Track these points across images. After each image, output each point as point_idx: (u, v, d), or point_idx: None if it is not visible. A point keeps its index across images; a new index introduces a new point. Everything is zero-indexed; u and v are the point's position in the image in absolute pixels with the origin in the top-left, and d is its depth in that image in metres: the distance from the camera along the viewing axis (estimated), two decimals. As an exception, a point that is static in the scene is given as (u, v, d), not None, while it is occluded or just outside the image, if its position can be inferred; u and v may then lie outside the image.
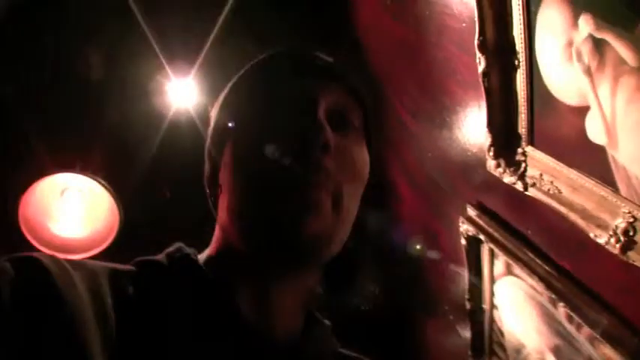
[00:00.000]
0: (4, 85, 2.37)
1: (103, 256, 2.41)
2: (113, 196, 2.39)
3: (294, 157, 0.77)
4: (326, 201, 0.78)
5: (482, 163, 1.60)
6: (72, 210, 2.51)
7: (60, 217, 2.51)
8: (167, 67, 2.47)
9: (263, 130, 0.81)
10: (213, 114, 0.94)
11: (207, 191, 0.92)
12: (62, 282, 0.67)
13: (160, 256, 0.84)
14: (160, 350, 0.70)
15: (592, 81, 1.09)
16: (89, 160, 2.49)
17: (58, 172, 2.39)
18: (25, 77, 2.43)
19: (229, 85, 0.94)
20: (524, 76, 1.31)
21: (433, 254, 2.33)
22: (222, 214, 0.86)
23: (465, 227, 1.83)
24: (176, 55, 2.48)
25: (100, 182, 2.38)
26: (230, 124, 0.87)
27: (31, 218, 2.43)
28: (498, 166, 1.51)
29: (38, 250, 2.31)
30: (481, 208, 1.77)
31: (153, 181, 2.64)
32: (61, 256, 0.76)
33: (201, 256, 0.87)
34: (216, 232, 0.88)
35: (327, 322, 0.91)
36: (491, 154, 1.51)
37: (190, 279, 0.80)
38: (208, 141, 0.93)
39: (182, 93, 2.57)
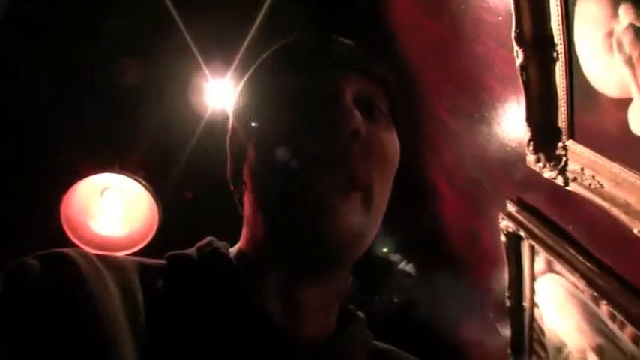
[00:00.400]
0: (46, 87, 2.43)
1: (141, 254, 2.45)
2: (152, 195, 2.43)
3: (323, 146, 0.74)
4: (355, 194, 0.75)
5: (521, 158, 1.58)
6: (112, 209, 2.56)
7: (100, 216, 2.56)
8: (204, 67, 2.50)
9: (287, 122, 0.78)
10: (234, 107, 0.91)
11: (232, 188, 0.90)
12: (91, 277, 0.68)
13: (191, 250, 0.84)
14: (188, 345, 0.70)
15: (634, 71, 1.06)
16: (129, 160, 2.54)
17: (98, 172, 2.44)
18: (65, 80, 2.47)
19: (246, 77, 0.91)
20: (564, 68, 1.28)
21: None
22: (247, 211, 0.84)
23: (504, 224, 1.81)
24: (213, 56, 2.50)
25: (139, 181, 2.41)
26: (252, 118, 0.84)
27: (72, 217, 2.48)
28: (538, 161, 1.48)
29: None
30: (521, 204, 1.74)
31: (190, 180, 2.68)
32: (100, 253, 0.76)
33: (232, 250, 0.86)
34: (245, 228, 0.86)
35: (361, 314, 0.90)
36: (531, 148, 1.49)
37: (220, 273, 0.79)
38: (230, 136, 0.91)
39: (219, 93, 2.60)
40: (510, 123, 1.66)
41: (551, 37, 1.29)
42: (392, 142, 0.84)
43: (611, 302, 1.39)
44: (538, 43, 1.32)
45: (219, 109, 2.56)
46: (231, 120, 0.92)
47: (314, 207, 0.73)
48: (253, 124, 0.84)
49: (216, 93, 2.59)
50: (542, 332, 1.86)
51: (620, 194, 1.24)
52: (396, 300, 2.56)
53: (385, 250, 2.64)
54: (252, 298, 0.77)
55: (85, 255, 0.72)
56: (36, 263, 0.67)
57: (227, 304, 0.75)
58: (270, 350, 0.74)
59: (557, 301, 1.71)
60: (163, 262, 0.82)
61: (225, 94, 2.54)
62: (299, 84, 0.81)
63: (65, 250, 0.71)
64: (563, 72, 1.28)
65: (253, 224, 0.82)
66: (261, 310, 0.76)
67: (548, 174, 1.47)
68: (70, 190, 2.40)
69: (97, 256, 0.74)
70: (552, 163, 1.44)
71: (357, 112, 0.76)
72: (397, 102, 0.88)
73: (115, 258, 0.77)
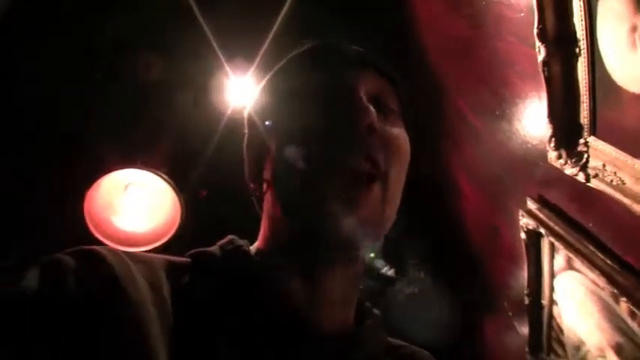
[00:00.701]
0: (69, 85, 2.46)
1: (164, 248, 2.47)
2: (175, 190, 2.45)
3: (342, 140, 0.79)
4: (376, 186, 0.80)
5: (543, 155, 1.58)
6: (135, 204, 2.59)
7: (124, 211, 2.59)
8: (226, 65, 2.52)
9: (309, 120, 0.83)
10: (254, 107, 0.95)
11: (252, 186, 0.93)
12: (123, 274, 0.70)
13: (214, 248, 0.87)
14: (215, 340, 0.72)
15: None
16: (151, 156, 2.57)
17: (121, 168, 2.46)
18: (88, 77, 2.51)
19: (268, 77, 0.95)
20: (586, 64, 1.28)
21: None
22: (269, 208, 0.87)
23: (524, 221, 1.81)
24: (235, 53, 2.52)
25: (162, 177, 2.44)
26: (274, 117, 0.89)
27: (95, 213, 2.51)
28: (559, 157, 1.48)
29: (102, 244, 2.39)
30: (542, 201, 1.74)
31: (212, 176, 2.70)
32: (124, 248, 0.78)
33: (252, 247, 0.88)
34: (264, 226, 0.90)
35: (376, 311, 0.93)
36: (553, 145, 1.49)
37: (243, 270, 0.82)
38: (249, 135, 0.95)
39: (241, 91, 2.62)
40: (532, 119, 1.66)
41: (574, 32, 1.29)
42: (402, 136, 0.89)
43: (632, 300, 1.39)
44: (560, 39, 1.33)
45: (241, 107, 2.57)
46: (249, 119, 0.96)
47: (337, 199, 0.77)
48: (275, 123, 0.88)
49: (237, 90, 2.61)
50: (561, 330, 1.86)
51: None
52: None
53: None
54: (275, 294, 0.79)
55: (115, 252, 0.75)
56: (70, 260, 0.70)
57: (251, 300, 0.77)
58: (293, 343, 0.76)
59: (576, 299, 1.71)
60: (187, 259, 0.84)
61: (247, 91, 2.56)
62: (319, 83, 0.86)
63: (95, 247, 0.74)
64: (586, 68, 1.29)
65: (275, 221, 0.86)
66: (285, 304, 0.78)
67: (569, 170, 1.46)
68: (94, 185, 2.43)
69: (126, 253, 0.76)
70: (574, 160, 1.44)
71: (372, 109, 0.81)
72: (406, 100, 0.93)
73: (143, 255, 0.81)
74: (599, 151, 1.35)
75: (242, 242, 0.88)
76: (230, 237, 0.89)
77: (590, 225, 1.54)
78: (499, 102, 1.81)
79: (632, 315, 1.42)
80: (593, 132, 1.36)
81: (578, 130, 1.41)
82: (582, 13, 1.23)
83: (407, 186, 0.88)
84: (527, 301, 1.96)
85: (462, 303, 2.47)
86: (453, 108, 2.23)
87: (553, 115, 1.46)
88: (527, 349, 2.05)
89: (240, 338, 0.73)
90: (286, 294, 0.80)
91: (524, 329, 2.05)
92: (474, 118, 2.09)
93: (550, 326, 1.93)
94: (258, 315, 0.76)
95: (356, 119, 0.79)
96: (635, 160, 1.23)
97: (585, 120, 1.37)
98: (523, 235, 1.85)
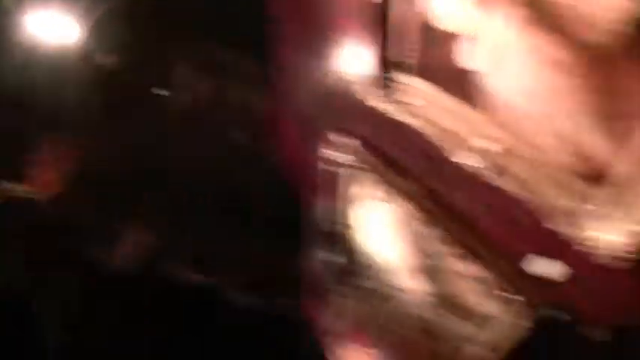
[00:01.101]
0: None
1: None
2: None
3: None
4: None
5: (354, 90, 1.64)
6: None
7: None
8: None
9: None
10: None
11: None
12: None
13: None
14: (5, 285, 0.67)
15: (474, 8, 1.13)
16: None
17: None
18: None
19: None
20: (404, 2, 1.34)
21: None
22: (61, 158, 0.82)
23: (332, 153, 1.86)
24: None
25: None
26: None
27: None
28: (369, 92, 1.55)
29: None
30: (349, 134, 1.79)
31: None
32: None
33: (40, 196, 0.83)
34: (49, 173, 0.84)
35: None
36: (364, 81, 1.56)
37: (29, 217, 0.77)
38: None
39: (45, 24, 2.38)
40: (350, 57, 1.71)
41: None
42: None
43: (438, 224, 1.51)
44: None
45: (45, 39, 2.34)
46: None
47: None
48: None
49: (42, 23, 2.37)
50: (368, 256, 1.95)
51: (449, 124, 1.34)
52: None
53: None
54: (66, 236, 0.75)
55: None
56: None
57: (40, 244, 0.73)
58: (85, 280, 0.73)
59: (383, 226, 1.80)
60: None
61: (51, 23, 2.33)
62: None
63: None
64: (404, 6, 1.34)
65: (66, 169, 0.80)
66: (78, 247, 0.75)
67: (381, 106, 1.53)
68: None
69: None
70: (386, 96, 1.51)
71: None
72: None
73: None
74: (411, 87, 1.44)
75: (17, 187, 0.81)
76: (14, 184, 0.82)
77: (396, 155, 1.62)
78: (318, 40, 1.82)
79: (439, 239, 1.54)
80: (407, 69, 1.44)
81: (390, 67, 1.48)
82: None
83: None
84: (333, 230, 2.03)
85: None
86: (279, 50, 2.20)
87: (367, 52, 1.52)
88: (335, 278, 2.14)
89: (33, 282, 0.69)
90: (75, 238, 0.76)
91: (333, 258, 2.13)
92: (295, 58, 2.08)
93: (356, 253, 2.02)
94: (49, 259, 0.72)
95: None
96: (445, 96, 1.32)
97: (399, 57, 1.44)
98: (330, 168, 1.90)
